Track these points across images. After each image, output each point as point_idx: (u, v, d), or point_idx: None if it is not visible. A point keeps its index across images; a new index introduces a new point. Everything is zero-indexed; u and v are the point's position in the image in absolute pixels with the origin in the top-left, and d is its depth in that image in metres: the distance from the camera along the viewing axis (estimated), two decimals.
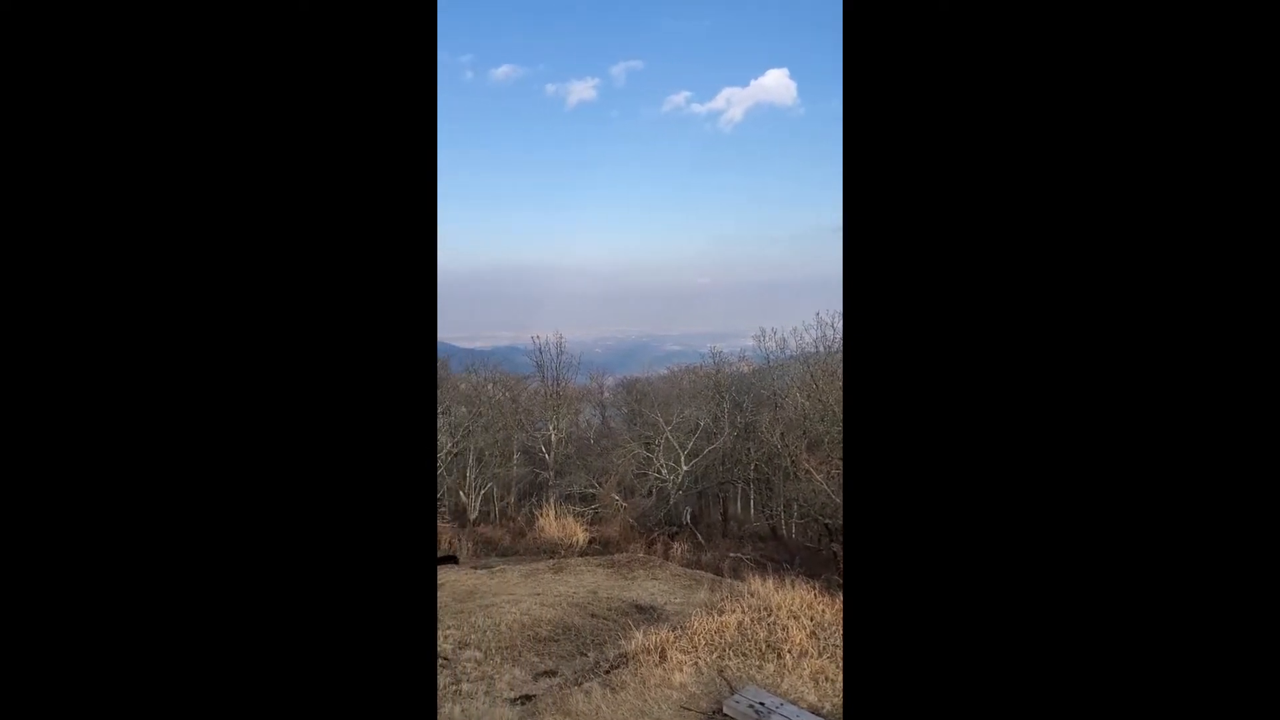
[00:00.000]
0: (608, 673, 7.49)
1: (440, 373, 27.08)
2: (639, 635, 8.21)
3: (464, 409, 25.91)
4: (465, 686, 7.23)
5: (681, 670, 7.38)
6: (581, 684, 7.22)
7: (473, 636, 8.98)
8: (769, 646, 7.87)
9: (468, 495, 23.77)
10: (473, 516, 22.98)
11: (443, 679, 7.44)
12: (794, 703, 6.60)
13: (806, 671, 7.33)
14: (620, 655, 8.01)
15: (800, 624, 8.37)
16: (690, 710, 6.64)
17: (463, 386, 28.08)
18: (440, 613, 11.76)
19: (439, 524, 21.44)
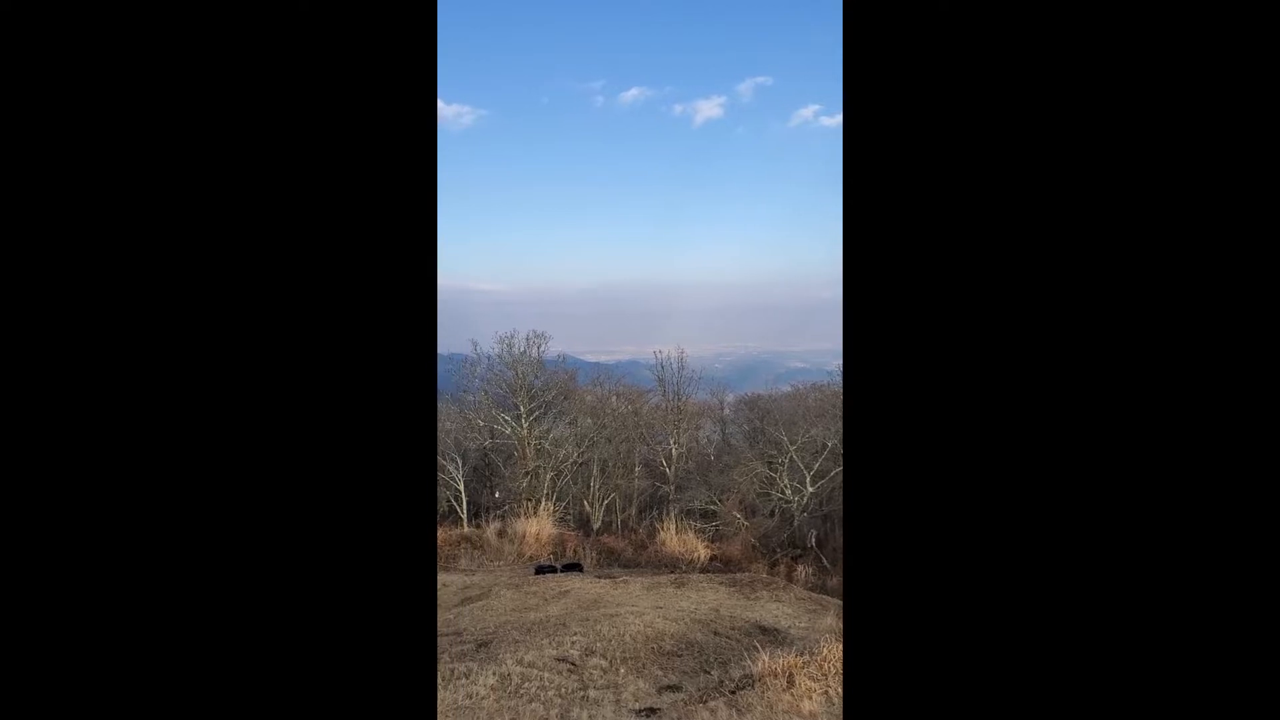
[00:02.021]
0: (733, 693, 7.39)
1: (568, 384, 28.02)
2: (764, 657, 8.04)
3: (589, 420, 26.64)
4: (592, 693, 7.38)
5: (810, 698, 7.14)
6: (706, 701, 7.17)
7: (598, 644, 9.16)
8: None
9: (591, 505, 24.34)
10: (596, 526, 23.50)
11: (570, 683, 7.64)
12: None
13: None
14: (745, 676, 7.87)
15: None
16: None
17: (588, 398, 28.88)
18: (566, 619, 12.10)
19: (564, 531, 22.12)
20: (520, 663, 8.18)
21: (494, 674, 7.71)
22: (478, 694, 7.18)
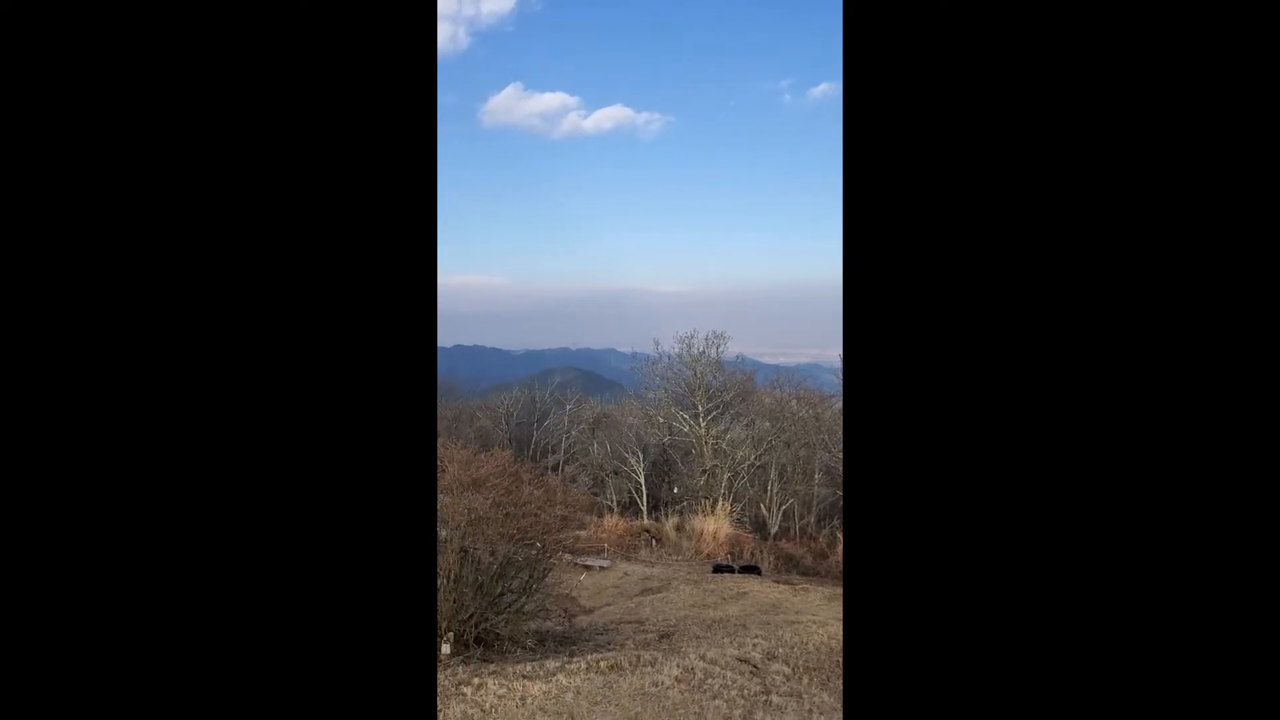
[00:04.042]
0: None
1: (745, 385, 27.87)
2: None
3: (767, 423, 26.28)
4: (775, 699, 7.29)
5: None
6: None
7: (780, 650, 9.02)
8: None
9: (768, 509, 24.01)
10: (773, 530, 23.14)
11: (752, 686, 7.61)
12: None
13: None
14: None
15: None
16: None
17: (766, 400, 28.52)
18: (746, 620, 12.06)
19: (740, 532, 22.05)
20: (703, 659, 8.30)
21: (678, 666, 7.89)
22: (662, 684, 7.39)
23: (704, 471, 24.90)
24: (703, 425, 25.56)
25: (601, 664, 7.76)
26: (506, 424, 32.87)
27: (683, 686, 7.36)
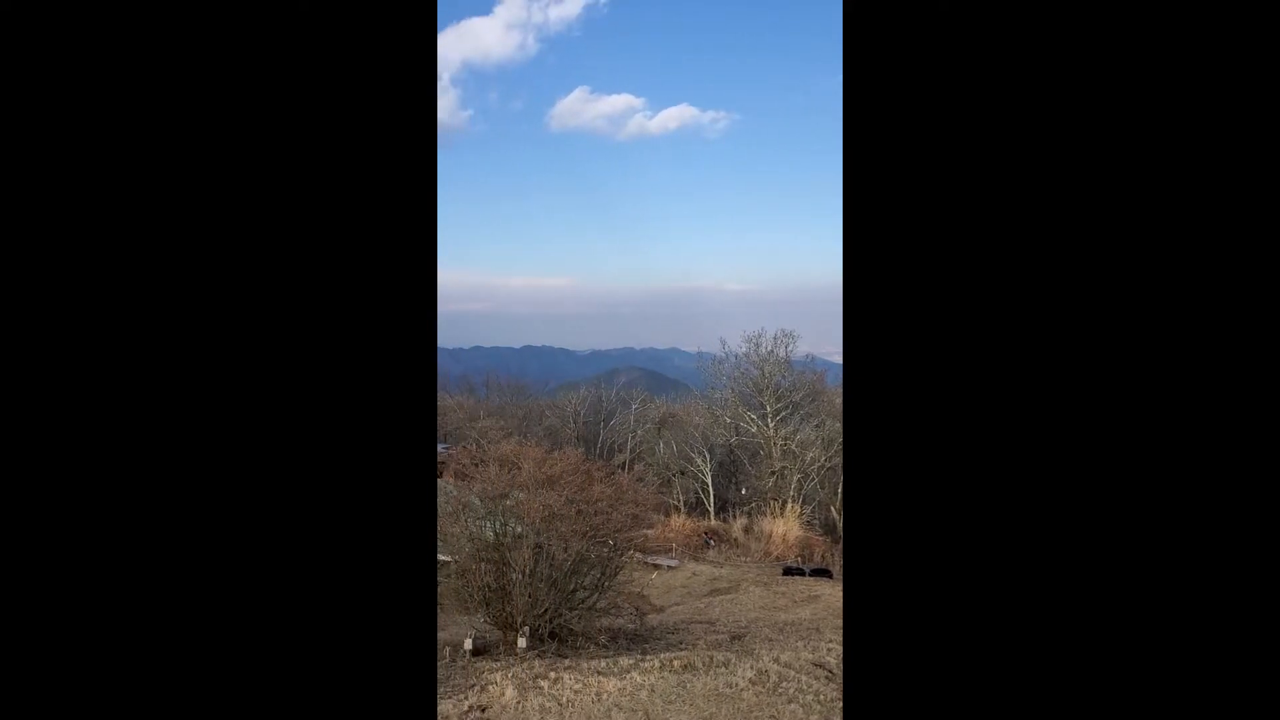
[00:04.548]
0: None
1: (815, 385, 27.36)
2: None
3: (837, 424, 25.70)
4: None
5: None
6: None
7: None
8: None
9: (839, 512, 23.49)
10: (844, 534, 22.63)
11: (828, 691, 7.45)
12: None
13: None
14: None
15: None
16: None
17: (837, 401, 27.90)
18: (819, 624, 11.84)
19: (810, 534, 21.65)
20: (777, 661, 8.19)
21: (751, 668, 7.81)
22: (736, 685, 7.33)
23: (772, 473, 24.57)
24: (771, 426, 25.23)
25: (675, 663, 7.77)
26: (574, 423, 33.34)
27: (757, 689, 7.28)
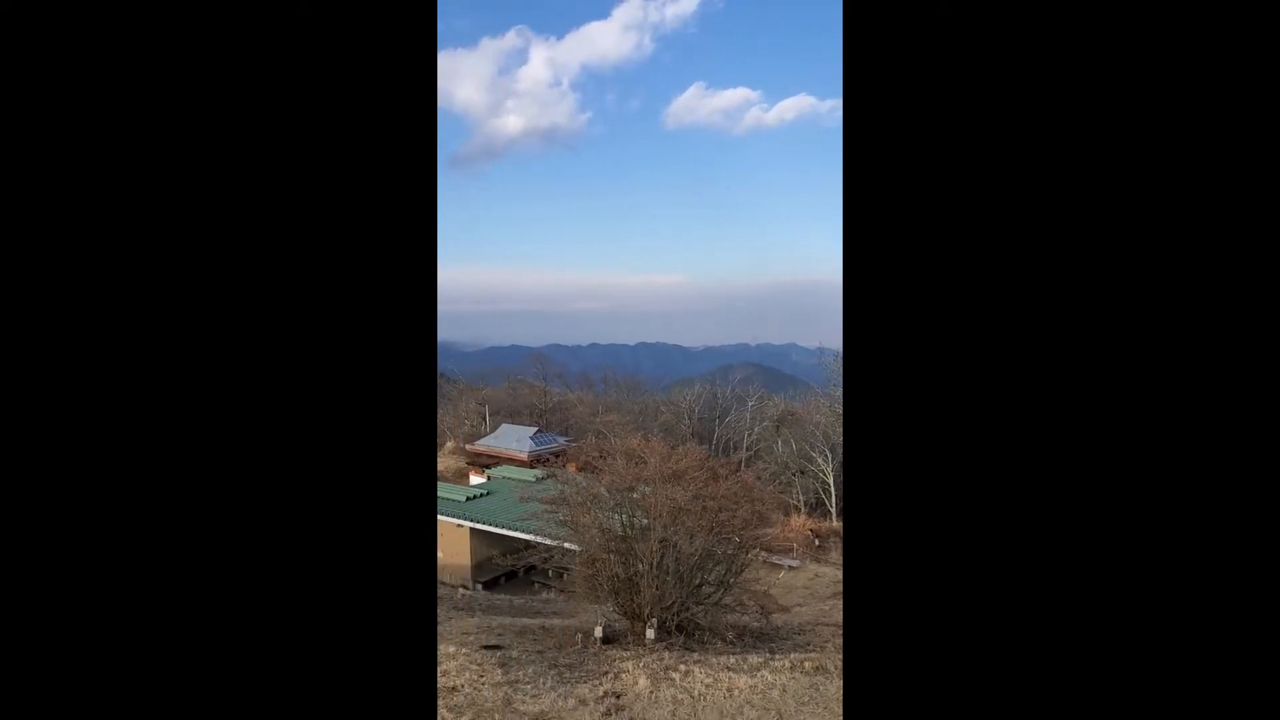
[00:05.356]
0: None
1: None
2: None
3: None
4: None
5: None
6: None
7: None
8: None
9: None
10: None
11: None
12: None
13: None
14: None
15: None
16: None
17: None
18: None
19: None
20: None
21: None
22: None
23: None
24: None
25: (806, 664, 7.64)
26: (689, 419, 33.44)
27: None
